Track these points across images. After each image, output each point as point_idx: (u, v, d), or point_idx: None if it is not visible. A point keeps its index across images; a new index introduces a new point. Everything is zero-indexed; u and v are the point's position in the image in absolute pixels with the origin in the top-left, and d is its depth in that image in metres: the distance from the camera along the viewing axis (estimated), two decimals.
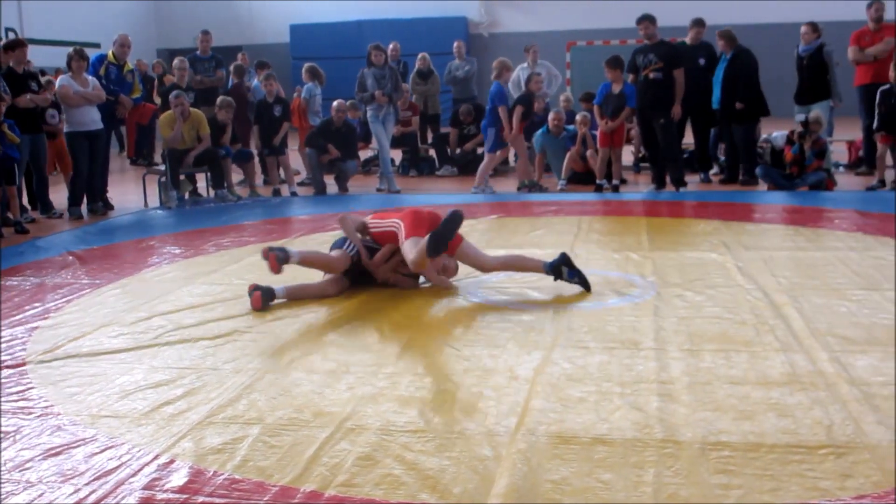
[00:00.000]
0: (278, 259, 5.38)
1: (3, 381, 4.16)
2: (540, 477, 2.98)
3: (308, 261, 5.62)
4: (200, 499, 2.91)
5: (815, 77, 10.72)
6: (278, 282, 5.52)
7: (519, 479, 2.96)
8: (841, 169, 11.65)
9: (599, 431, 3.35)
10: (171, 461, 3.21)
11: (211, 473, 3.09)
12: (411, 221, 5.48)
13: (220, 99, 10.82)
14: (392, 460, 3.14)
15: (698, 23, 10.91)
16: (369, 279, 5.68)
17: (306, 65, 12.37)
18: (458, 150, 12.78)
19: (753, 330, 4.58)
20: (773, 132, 10.94)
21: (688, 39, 10.95)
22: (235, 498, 2.91)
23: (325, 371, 4.15)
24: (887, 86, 9.82)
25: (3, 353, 4.59)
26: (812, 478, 2.92)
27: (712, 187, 10.56)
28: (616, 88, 10.19)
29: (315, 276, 5.68)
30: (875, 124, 10.02)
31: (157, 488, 3.00)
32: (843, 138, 12.52)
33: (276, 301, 5.41)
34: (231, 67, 12.14)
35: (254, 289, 5.37)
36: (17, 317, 5.34)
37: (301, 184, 11.81)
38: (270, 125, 11.10)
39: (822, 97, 10.75)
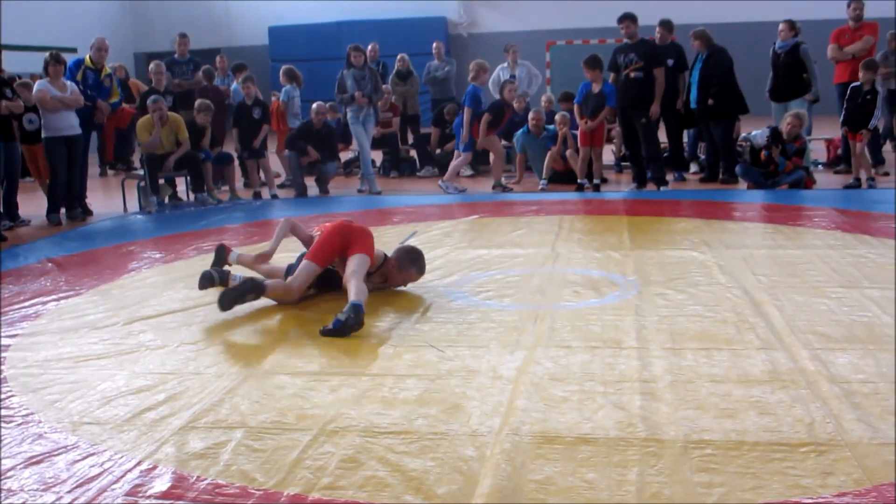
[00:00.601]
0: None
1: None
2: (524, 477, 2.99)
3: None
4: None
5: (790, 74, 10.78)
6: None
7: (503, 479, 2.97)
8: (819, 167, 11.73)
9: (583, 431, 3.36)
10: (154, 467, 3.19)
11: (194, 479, 3.08)
12: (320, 241, 5.42)
13: (198, 102, 10.77)
14: (376, 462, 3.14)
15: (664, 24, 10.91)
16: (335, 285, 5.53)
17: (284, 67, 12.32)
18: (438, 150, 12.78)
19: (734, 328, 4.60)
20: (753, 131, 11.01)
21: (656, 40, 10.97)
22: (219, 503, 2.90)
23: (307, 374, 4.14)
24: (858, 83, 9.92)
25: None
26: (793, 475, 2.94)
27: (693, 186, 10.61)
28: (595, 88, 10.22)
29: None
30: (840, 118, 10.17)
31: (140, 494, 2.98)
32: (822, 137, 12.60)
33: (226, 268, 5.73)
34: (200, 71, 12.09)
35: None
36: None
37: (281, 186, 11.78)
38: (250, 128, 11.06)
39: (798, 94, 10.82)
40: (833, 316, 4.77)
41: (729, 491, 2.85)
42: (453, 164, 10.90)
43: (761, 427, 3.33)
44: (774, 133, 9.96)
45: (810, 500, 2.78)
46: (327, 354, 4.44)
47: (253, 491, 2.97)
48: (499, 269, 6.21)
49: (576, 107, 10.51)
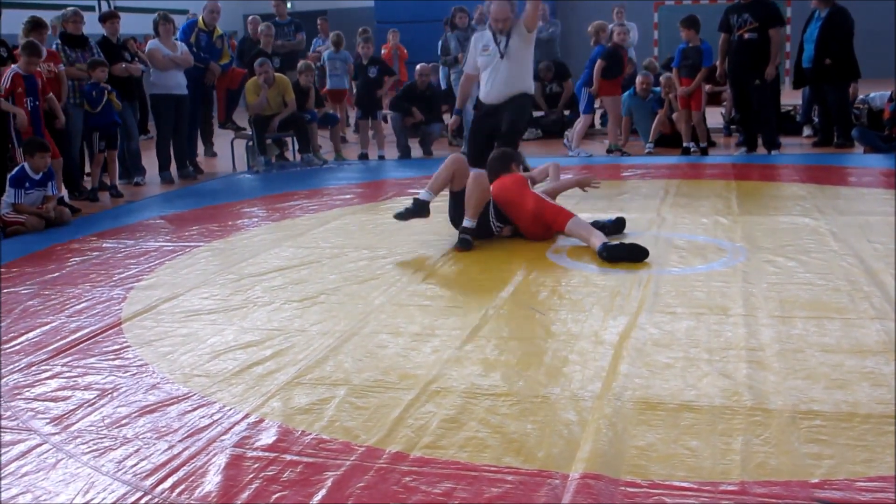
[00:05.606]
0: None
1: (100, 340, 4.32)
2: (625, 443, 2.96)
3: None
4: (289, 457, 2.96)
5: None
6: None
7: (604, 444, 2.95)
8: None
9: (686, 398, 3.30)
10: (261, 420, 3.28)
11: (299, 433, 3.15)
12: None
13: (300, 63, 10.93)
14: (477, 423, 3.15)
15: None
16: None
17: (332, 33, 12.37)
18: (542, 113, 12.64)
19: (848, 297, 4.45)
20: (871, 93, 10.57)
21: None
22: (323, 457, 2.96)
23: (410, 334, 4.18)
24: None
25: (101, 314, 4.75)
26: None
27: (806, 150, 10.26)
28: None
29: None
30: None
31: (247, 446, 3.07)
32: None
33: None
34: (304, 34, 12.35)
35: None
36: (114, 278, 5.52)
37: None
38: (367, 87, 11.16)
39: None
40: None
41: (839, 463, 2.77)
42: (577, 130, 10.70)
43: (874, 399, 3.22)
44: None
45: None
46: (429, 315, 4.47)
47: (356, 447, 3.02)
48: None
49: (674, 71, 10.28)
